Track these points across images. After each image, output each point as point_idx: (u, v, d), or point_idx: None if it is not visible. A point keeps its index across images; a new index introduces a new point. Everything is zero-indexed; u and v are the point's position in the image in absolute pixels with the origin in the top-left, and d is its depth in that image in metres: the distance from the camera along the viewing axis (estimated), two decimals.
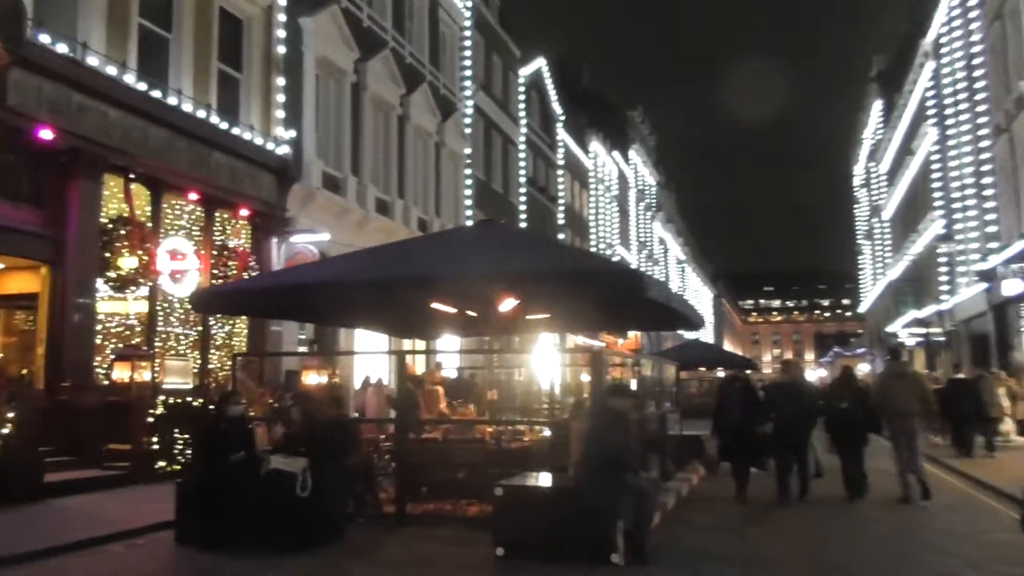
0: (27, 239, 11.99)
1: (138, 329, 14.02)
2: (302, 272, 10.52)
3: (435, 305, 11.02)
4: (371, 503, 8.95)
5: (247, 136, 16.04)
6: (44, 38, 11.67)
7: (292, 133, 17.43)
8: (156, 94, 13.74)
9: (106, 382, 12.69)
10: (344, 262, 10.44)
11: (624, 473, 7.03)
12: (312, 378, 15.74)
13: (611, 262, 21.21)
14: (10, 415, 9.70)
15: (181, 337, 15.01)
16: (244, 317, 16.48)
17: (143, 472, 11.71)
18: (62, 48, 11.92)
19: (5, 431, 9.60)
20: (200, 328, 15.41)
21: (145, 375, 12.43)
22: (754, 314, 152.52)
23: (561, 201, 40.44)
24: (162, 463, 12.07)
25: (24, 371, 12.57)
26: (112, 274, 13.19)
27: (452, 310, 11.24)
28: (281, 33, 17.58)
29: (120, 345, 13.41)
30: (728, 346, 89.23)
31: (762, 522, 9.51)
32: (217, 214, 15.87)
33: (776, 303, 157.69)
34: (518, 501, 7.14)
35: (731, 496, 10.88)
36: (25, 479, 9.93)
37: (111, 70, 12.80)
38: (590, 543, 6.83)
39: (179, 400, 12.74)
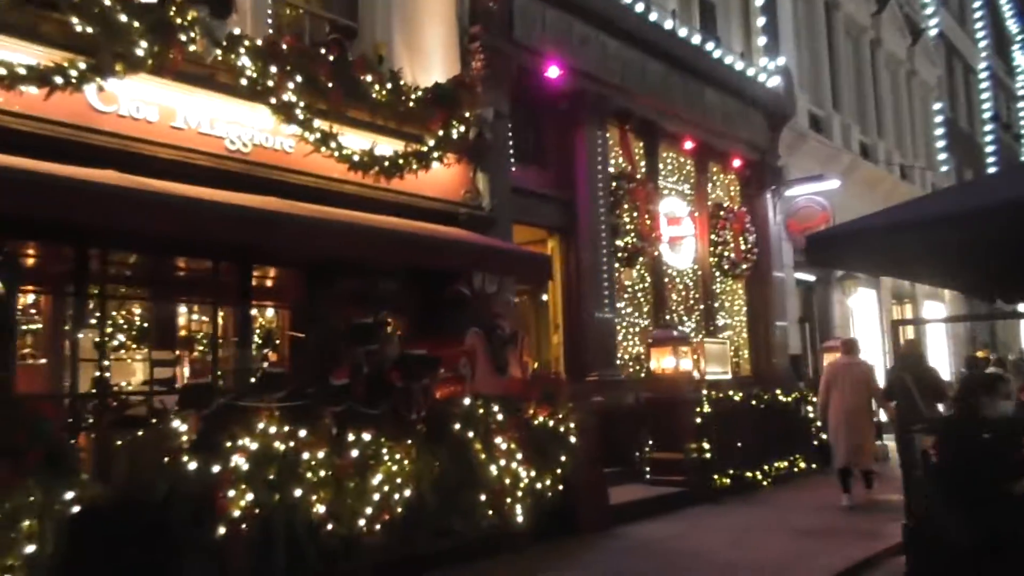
0: (538, 205, 9.93)
1: (645, 309, 11.56)
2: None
3: None
4: None
5: (738, 67, 12.92)
6: None
7: (780, 61, 14.02)
8: (653, 17, 11.13)
9: (618, 377, 10.34)
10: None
11: None
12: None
13: None
14: (571, 424, 7.36)
15: (684, 317, 12.30)
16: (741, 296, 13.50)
17: (700, 488, 9.05)
18: None
19: (573, 440, 7.28)
20: (702, 306, 12.60)
21: (684, 363, 9.73)
22: None
23: None
24: (714, 475, 9.35)
25: (535, 364, 10.58)
26: (620, 243, 10.82)
27: None
28: None
29: (637, 327, 11.00)
30: None
31: None
32: (709, 166, 13.00)
33: None
34: None
35: None
36: (592, 502, 7.64)
37: None
38: None
39: (721, 394, 9.94)
